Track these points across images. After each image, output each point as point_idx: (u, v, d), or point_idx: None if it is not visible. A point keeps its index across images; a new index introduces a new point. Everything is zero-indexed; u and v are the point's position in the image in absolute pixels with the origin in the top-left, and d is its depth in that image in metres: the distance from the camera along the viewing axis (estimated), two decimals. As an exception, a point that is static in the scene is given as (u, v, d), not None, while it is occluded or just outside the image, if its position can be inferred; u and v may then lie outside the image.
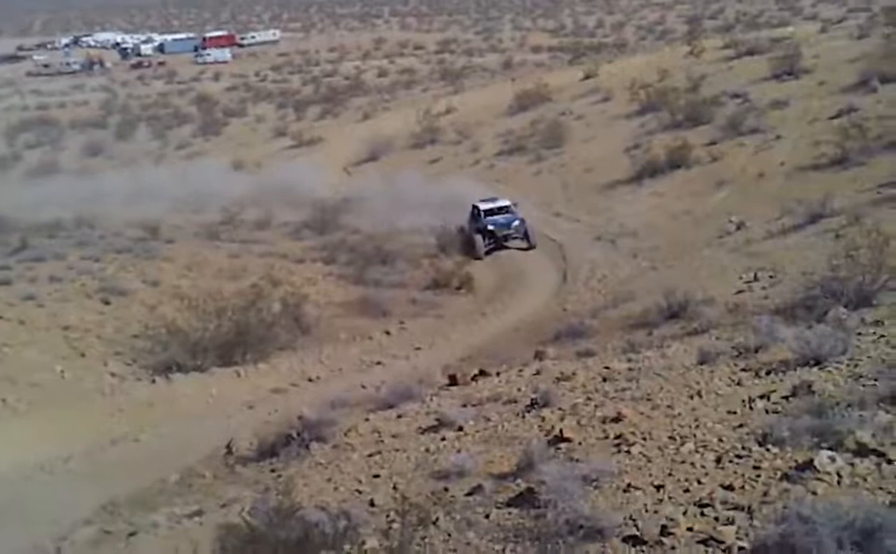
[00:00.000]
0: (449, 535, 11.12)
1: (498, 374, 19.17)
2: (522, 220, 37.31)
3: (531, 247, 36.64)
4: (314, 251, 35.10)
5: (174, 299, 28.32)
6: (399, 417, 17.00)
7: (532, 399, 15.40)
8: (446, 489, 12.39)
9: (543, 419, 14.26)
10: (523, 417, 14.85)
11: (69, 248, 32.31)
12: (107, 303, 28.13)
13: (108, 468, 19.27)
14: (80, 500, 17.11)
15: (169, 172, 51.94)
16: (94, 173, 51.05)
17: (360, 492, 13.45)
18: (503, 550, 10.52)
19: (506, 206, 37.88)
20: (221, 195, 41.14)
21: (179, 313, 26.71)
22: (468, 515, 11.48)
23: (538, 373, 18.07)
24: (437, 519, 11.32)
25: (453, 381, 19.39)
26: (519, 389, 16.79)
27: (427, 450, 14.45)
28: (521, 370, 18.93)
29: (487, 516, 11.36)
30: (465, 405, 16.40)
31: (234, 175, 50.58)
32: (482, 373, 19.75)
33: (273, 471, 16.20)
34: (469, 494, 12.09)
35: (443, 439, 14.76)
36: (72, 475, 19.21)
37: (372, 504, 12.67)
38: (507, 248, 36.54)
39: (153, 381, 24.64)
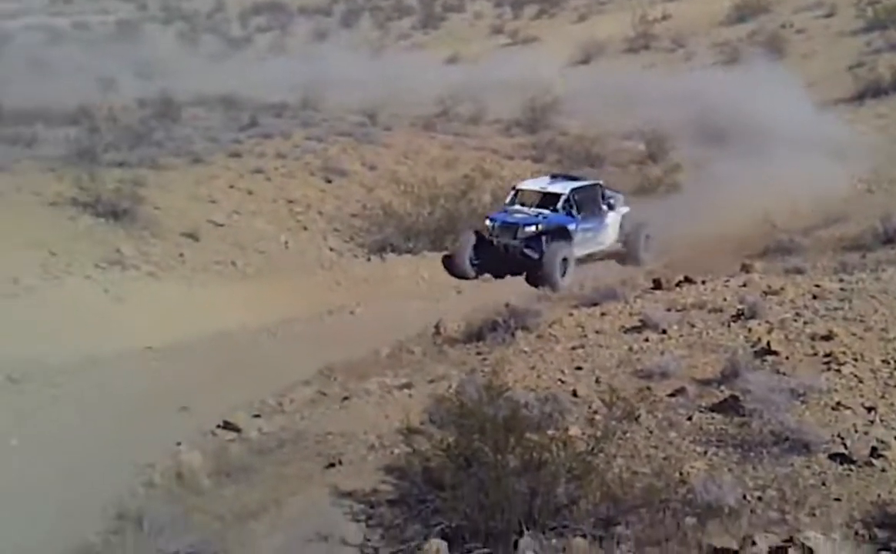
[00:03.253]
0: (651, 432, 11.45)
1: (703, 282, 18.98)
2: (562, 231, 25.06)
3: (536, 280, 23.97)
4: (524, 149, 35.31)
5: (391, 183, 29.50)
6: (603, 315, 17.15)
7: (738, 310, 15.27)
8: (649, 389, 12.60)
9: (750, 330, 14.16)
10: (729, 326, 14.78)
11: (294, 127, 33.79)
12: (328, 181, 29.57)
13: (325, 336, 20.57)
14: (299, 362, 18.20)
15: (389, 62, 53.14)
16: (319, 58, 52.65)
17: (562, 381, 13.81)
18: (705, 452, 10.76)
19: (555, 195, 25.28)
20: (437, 88, 41.78)
21: (395, 197, 27.84)
22: (670, 416, 11.75)
23: (745, 285, 17.80)
24: (640, 416, 11.65)
25: (657, 285, 19.30)
26: (725, 299, 16.61)
27: (630, 349, 14.66)
28: (727, 281, 18.66)
29: (690, 419, 11.59)
30: (668, 310, 16.38)
31: (451, 69, 51.21)
32: (687, 280, 19.54)
33: (479, 354, 16.74)
34: (672, 395, 12.31)
35: (646, 340, 14.91)
36: (292, 339, 20.55)
37: (574, 395, 13.02)
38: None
39: (368, 259, 25.97)
